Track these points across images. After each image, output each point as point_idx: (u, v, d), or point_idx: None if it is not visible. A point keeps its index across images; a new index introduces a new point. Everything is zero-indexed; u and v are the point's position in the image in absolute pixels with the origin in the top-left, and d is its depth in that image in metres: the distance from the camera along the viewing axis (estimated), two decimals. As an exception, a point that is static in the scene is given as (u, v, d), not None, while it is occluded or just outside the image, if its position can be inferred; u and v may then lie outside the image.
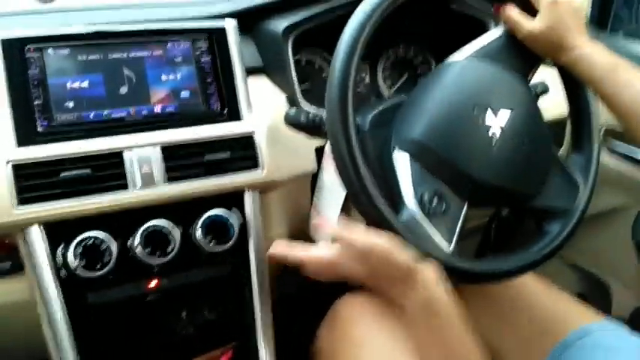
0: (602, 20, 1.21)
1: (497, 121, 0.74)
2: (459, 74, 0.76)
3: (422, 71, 1.17)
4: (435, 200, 0.71)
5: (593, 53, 0.75)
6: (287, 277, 1.05)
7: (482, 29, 1.05)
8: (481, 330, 0.60)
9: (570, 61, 0.77)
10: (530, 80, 0.81)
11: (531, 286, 0.93)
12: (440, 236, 0.70)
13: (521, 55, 0.78)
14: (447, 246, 0.70)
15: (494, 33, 0.80)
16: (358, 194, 0.68)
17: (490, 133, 0.72)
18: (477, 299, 0.75)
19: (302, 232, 0.99)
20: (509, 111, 0.74)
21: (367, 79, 1.13)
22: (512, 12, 0.78)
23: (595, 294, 1.30)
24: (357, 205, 0.70)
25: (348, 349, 0.88)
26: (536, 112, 0.79)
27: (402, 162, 0.71)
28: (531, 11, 0.77)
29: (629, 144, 1.11)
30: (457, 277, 0.69)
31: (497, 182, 0.72)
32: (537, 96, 0.90)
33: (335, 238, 0.69)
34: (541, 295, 0.93)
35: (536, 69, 0.82)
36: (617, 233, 1.16)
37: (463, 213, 0.72)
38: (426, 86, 0.77)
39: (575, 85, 0.82)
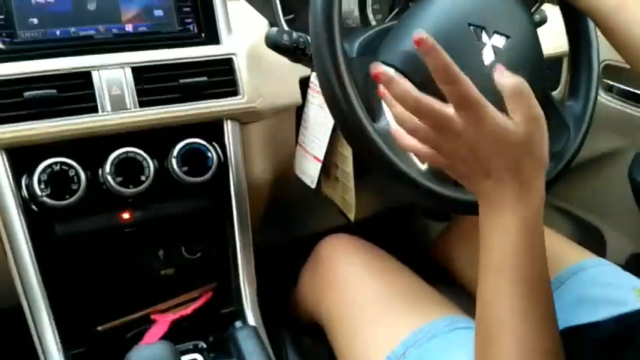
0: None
1: (492, 45, 0.69)
2: None
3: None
4: None
5: None
6: (268, 228, 1.02)
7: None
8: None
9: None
10: (533, 13, 0.76)
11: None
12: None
13: None
14: (421, 165, 0.66)
15: None
16: (346, 116, 0.64)
17: (484, 56, 0.68)
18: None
19: (287, 170, 0.95)
20: (506, 38, 0.70)
21: (356, 12, 1.07)
22: None
23: (589, 241, 1.28)
24: (343, 130, 0.66)
25: (330, 287, 0.86)
26: (536, 45, 0.74)
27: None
28: None
29: (628, 83, 1.06)
30: (434, 201, 0.65)
31: None
32: (535, 25, 0.86)
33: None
34: None
35: (541, 4, 0.77)
36: (612, 177, 1.13)
37: None
38: (420, 6, 0.72)
39: (578, 20, 0.77)
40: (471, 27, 0.69)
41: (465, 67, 0.65)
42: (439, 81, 0.47)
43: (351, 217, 0.95)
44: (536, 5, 0.79)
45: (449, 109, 0.48)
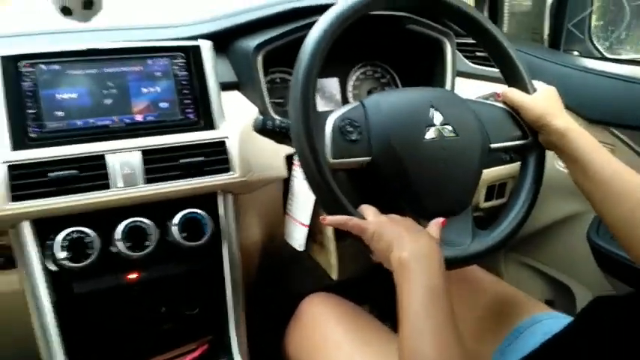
0: (554, 41, 1.31)
1: (439, 129, 0.81)
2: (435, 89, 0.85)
3: (389, 89, 1.26)
4: None
5: (582, 129, 0.82)
6: (259, 284, 1.12)
7: (439, 48, 1.16)
8: None
9: (562, 127, 0.82)
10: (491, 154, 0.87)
11: (483, 276, 1.01)
12: None
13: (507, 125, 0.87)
14: None
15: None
16: (325, 198, 0.75)
17: (427, 133, 0.80)
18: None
19: (275, 235, 1.07)
20: (455, 135, 0.82)
21: (338, 96, 1.23)
22: (514, 90, 0.88)
23: (559, 297, 1.36)
24: (325, 208, 0.77)
25: (315, 347, 0.95)
26: (477, 160, 0.85)
27: None
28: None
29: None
30: None
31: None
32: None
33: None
34: (493, 284, 1.01)
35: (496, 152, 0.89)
36: (576, 238, 1.23)
37: None
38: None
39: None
40: (432, 108, 0.82)
41: (408, 133, 0.78)
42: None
43: (334, 276, 1.06)
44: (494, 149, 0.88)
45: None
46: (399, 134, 0.79)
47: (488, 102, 0.91)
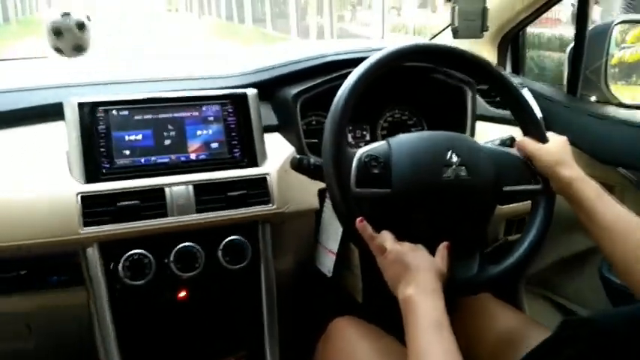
0: (572, 87, 1.41)
1: (455, 169, 0.91)
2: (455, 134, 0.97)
3: (416, 130, 1.38)
4: None
5: (587, 178, 0.91)
6: (292, 306, 1.24)
7: (461, 94, 1.27)
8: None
9: (570, 176, 0.91)
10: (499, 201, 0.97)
11: (492, 306, 1.09)
12: None
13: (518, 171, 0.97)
14: None
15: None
16: (347, 222, 0.87)
17: (444, 172, 0.90)
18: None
19: (307, 261, 1.19)
20: (467, 176, 0.91)
21: (368, 137, 1.35)
22: (528, 140, 0.98)
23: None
24: (348, 232, 0.89)
25: None
26: (489, 200, 0.95)
27: None
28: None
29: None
30: None
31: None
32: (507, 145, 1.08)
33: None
34: (501, 314, 1.08)
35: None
36: (591, 272, 1.31)
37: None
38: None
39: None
40: (449, 151, 0.92)
41: (426, 172, 0.89)
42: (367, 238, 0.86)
43: (359, 299, 1.17)
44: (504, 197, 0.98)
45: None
46: (417, 171, 0.90)
47: (504, 149, 1.01)
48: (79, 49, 1.04)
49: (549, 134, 1.00)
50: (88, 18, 1.08)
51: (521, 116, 1.01)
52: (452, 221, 0.93)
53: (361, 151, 0.92)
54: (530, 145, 0.97)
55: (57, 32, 1.05)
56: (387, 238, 0.85)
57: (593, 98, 1.45)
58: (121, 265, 0.98)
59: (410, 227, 0.91)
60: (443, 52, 1.00)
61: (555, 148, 0.96)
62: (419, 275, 0.79)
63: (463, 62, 1.00)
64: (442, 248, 0.86)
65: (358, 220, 0.85)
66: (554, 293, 1.48)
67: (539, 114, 1.00)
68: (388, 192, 0.90)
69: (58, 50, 1.05)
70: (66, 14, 1.13)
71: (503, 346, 1.02)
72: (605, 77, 1.43)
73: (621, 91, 1.47)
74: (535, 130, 0.99)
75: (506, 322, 1.06)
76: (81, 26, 1.05)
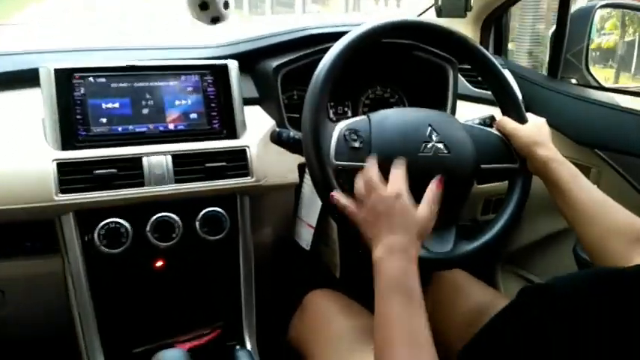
0: (553, 69, 1.42)
1: (435, 145, 0.92)
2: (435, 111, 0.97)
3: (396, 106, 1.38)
4: None
5: (563, 159, 0.92)
6: (270, 279, 1.24)
7: (443, 73, 1.28)
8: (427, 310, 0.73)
9: (546, 156, 0.91)
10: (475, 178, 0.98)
11: (466, 283, 1.11)
12: None
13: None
14: None
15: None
16: (324, 194, 0.86)
17: (422, 148, 0.91)
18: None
19: (286, 235, 1.19)
20: (447, 152, 0.92)
21: (350, 114, 1.35)
22: (507, 120, 0.99)
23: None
24: (324, 202, 0.88)
25: (317, 337, 1.05)
26: (467, 177, 0.95)
27: None
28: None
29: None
30: None
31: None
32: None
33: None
34: (483, 292, 1.10)
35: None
36: (566, 252, 1.33)
37: None
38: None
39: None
40: (429, 127, 0.93)
41: (405, 147, 0.89)
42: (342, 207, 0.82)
43: (337, 274, 1.18)
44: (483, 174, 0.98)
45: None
46: (397, 146, 0.90)
47: (484, 128, 1.01)
48: (216, 20, 1.04)
49: (529, 115, 1.01)
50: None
51: (501, 96, 1.01)
52: None
53: (341, 125, 0.91)
54: (509, 124, 0.98)
55: (203, 6, 1.04)
56: (361, 188, 0.81)
57: (573, 81, 1.46)
58: (96, 233, 0.97)
59: None
60: (423, 29, 0.99)
61: (533, 128, 0.97)
62: (389, 235, 0.75)
63: (444, 39, 1.00)
64: (429, 191, 0.82)
65: (331, 194, 0.84)
66: (530, 272, 1.50)
67: (519, 95, 1.00)
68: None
69: (203, 6, 1.04)
70: None
71: (473, 321, 1.02)
72: (587, 60, 1.45)
73: (599, 73, 1.48)
74: (515, 110, 0.99)
75: (477, 298, 1.08)
76: (226, 4, 1.04)
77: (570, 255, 1.30)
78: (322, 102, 0.89)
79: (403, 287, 0.71)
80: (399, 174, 0.81)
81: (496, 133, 0.99)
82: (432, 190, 0.82)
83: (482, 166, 0.96)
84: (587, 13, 1.41)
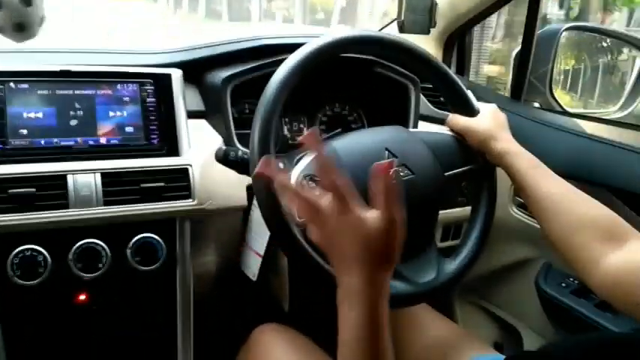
0: (516, 92, 1.37)
1: (397, 169, 0.84)
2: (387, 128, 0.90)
3: (355, 127, 1.30)
4: None
5: (520, 149, 0.86)
6: (212, 313, 1.13)
7: (405, 91, 1.20)
8: None
9: (501, 149, 0.86)
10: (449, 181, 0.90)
11: (423, 315, 1.04)
12: None
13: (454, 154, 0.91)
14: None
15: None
16: (280, 235, 0.77)
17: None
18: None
19: (231, 264, 1.08)
20: (410, 174, 0.85)
21: (305, 131, 1.26)
22: (457, 117, 0.93)
23: (508, 340, 1.40)
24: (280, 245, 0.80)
25: None
26: (434, 193, 0.88)
27: None
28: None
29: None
30: None
31: None
32: None
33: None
34: (433, 323, 1.03)
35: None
36: (527, 283, 1.27)
37: None
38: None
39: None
40: (387, 151, 0.85)
41: (367, 179, 0.80)
42: (320, 173, 0.62)
43: (285, 307, 1.08)
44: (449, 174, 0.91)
45: (322, 200, 0.61)
46: (358, 182, 0.81)
47: (437, 132, 0.95)
48: (20, 27, 0.83)
49: (480, 104, 0.95)
50: None
51: (447, 92, 0.95)
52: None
53: (296, 173, 0.81)
54: (461, 121, 0.92)
55: None
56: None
57: (536, 104, 1.42)
58: (9, 262, 0.85)
59: None
60: (375, 41, 0.91)
61: (486, 120, 0.91)
62: (347, 274, 0.61)
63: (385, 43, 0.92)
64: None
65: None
66: (488, 302, 1.44)
67: (465, 89, 0.93)
68: None
69: None
70: None
71: (433, 356, 0.97)
72: (550, 84, 1.40)
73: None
74: (462, 104, 0.93)
75: (436, 332, 1.02)
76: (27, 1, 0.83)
77: (531, 284, 1.24)
78: (273, 118, 0.79)
79: (356, 337, 0.61)
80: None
81: (450, 133, 0.93)
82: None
83: (446, 173, 0.90)
84: (553, 35, 1.37)
